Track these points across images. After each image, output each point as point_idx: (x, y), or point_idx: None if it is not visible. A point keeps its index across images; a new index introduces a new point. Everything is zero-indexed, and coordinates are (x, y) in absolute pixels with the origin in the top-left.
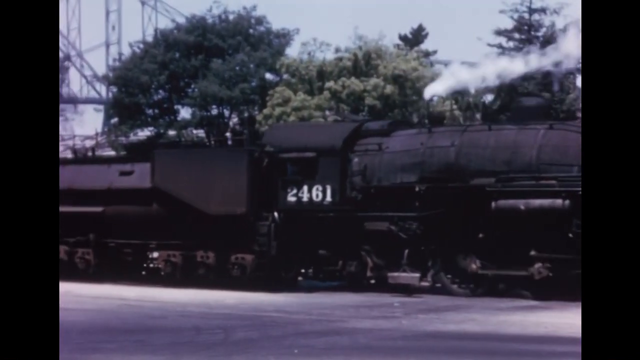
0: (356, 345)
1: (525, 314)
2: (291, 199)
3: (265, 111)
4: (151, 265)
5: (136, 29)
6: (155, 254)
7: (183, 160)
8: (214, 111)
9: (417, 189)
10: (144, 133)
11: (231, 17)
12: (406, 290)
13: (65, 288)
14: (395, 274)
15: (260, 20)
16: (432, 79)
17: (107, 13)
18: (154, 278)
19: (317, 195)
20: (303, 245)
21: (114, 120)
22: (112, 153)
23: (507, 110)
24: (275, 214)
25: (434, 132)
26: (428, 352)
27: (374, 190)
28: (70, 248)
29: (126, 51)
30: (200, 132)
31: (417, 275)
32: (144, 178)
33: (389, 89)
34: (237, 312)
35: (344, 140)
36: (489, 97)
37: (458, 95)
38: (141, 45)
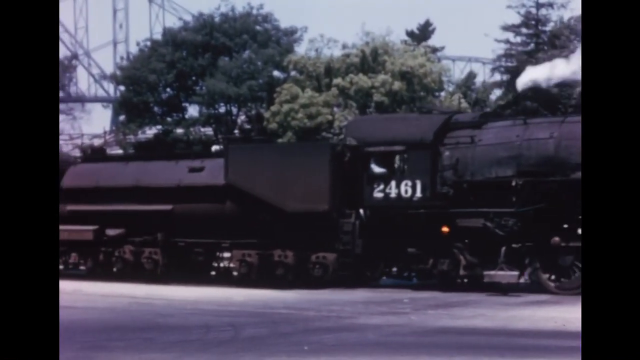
0: (366, 341)
1: (535, 309)
2: (378, 195)
3: (273, 108)
4: (221, 265)
5: (143, 28)
6: (226, 254)
7: (259, 156)
8: (222, 109)
9: (514, 183)
10: (151, 131)
11: (238, 15)
12: (501, 288)
13: (75, 286)
14: (492, 272)
15: (267, 18)
16: (440, 74)
17: (115, 11)
18: (225, 278)
19: (406, 191)
20: (390, 243)
21: (122, 118)
22: (120, 152)
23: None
24: (361, 210)
25: (530, 124)
26: (437, 347)
27: (467, 185)
28: (137, 248)
29: (134, 50)
30: (208, 130)
31: (516, 273)
32: (216, 174)
33: (396, 85)
34: (247, 309)
35: (434, 132)
36: (497, 92)
37: (466, 90)
38: (149, 44)
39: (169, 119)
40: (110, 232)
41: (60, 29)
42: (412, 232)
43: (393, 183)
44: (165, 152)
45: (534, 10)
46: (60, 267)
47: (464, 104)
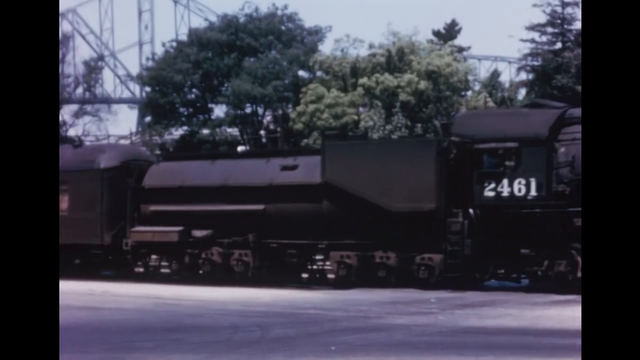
0: (393, 341)
1: (562, 309)
2: (489, 193)
3: (299, 108)
4: (315, 267)
5: (169, 29)
6: (319, 255)
7: (359, 153)
8: (248, 109)
9: None
10: (178, 132)
11: (263, 15)
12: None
13: (103, 287)
14: None
15: (292, 18)
16: (466, 73)
17: (140, 13)
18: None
19: (519, 190)
20: (501, 243)
21: (148, 119)
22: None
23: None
24: (470, 210)
25: None
26: (465, 347)
27: None
28: (225, 250)
29: (159, 51)
30: (234, 131)
31: None
32: (312, 173)
33: (422, 84)
34: (274, 310)
35: (549, 128)
36: (522, 92)
37: (492, 89)
38: (174, 45)
39: (194, 120)
40: (197, 233)
41: (86, 30)
42: (526, 233)
43: (505, 181)
44: (255, 150)
45: (559, 9)
46: (140, 269)
47: (491, 103)
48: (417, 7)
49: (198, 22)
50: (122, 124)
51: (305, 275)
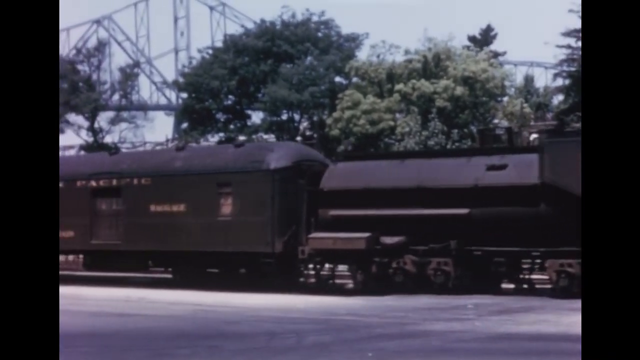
0: (429, 347)
1: None
2: None
3: (335, 114)
4: (525, 276)
5: (205, 35)
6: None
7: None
8: (284, 115)
9: None
10: (214, 139)
11: (299, 21)
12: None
13: (140, 294)
14: None
15: (328, 25)
16: (502, 79)
17: (176, 20)
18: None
19: None
20: None
21: (185, 126)
22: None
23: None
24: None
25: None
26: (501, 353)
27: None
28: (421, 258)
29: (195, 57)
30: (271, 137)
31: None
32: (525, 173)
33: (459, 90)
34: (310, 316)
35: None
36: (559, 97)
37: (528, 95)
38: (210, 51)
39: (231, 126)
40: (387, 240)
41: (122, 37)
42: None
43: None
44: (454, 148)
45: None
46: (312, 280)
47: (527, 109)
48: (452, 13)
49: (234, 29)
50: (158, 130)
51: (511, 286)
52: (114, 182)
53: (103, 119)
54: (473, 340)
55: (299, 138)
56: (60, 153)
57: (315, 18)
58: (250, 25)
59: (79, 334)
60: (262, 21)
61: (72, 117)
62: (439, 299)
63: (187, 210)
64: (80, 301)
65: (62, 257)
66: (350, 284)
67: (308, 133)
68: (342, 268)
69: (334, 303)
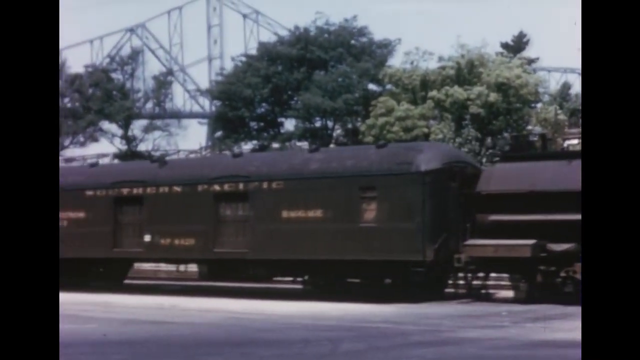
0: (465, 355)
1: None
2: None
3: (369, 121)
4: None
5: (238, 43)
6: None
7: None
8: (317, 123)
9: None
10: (248, 146)
11: (333, 28)
12: None
13: (172, 302)
14: None
15: (362, 31)
16: (536, 85)
17: (209, 27)
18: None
19: None
20: None
21: (218, 134)
22: None
23: None
24: None
25: None
26: None
27: None
28: None
29: (229, 65)
30: (304, 144)
31: None
32: None
33: (492, 96)
34: (344, 324)
35: None
36: None
37: (562, 101)
38: (244, 59)
39: (265, 134)
40: (555, 247)
41: (155, 45)
42: None
43: None
44: None
45: None
46: (483, 291)
47: (561, 116)
48: (484, 20)
49: (267, 36)
50: (191, 138)
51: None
52: (241, 186)
53: (137, 127)
54: (508, 347)
55: (332, 145)
56: (94, 161)
57: (349, 24)
58: (283, 33)
59: (111, 342)
60: (296, 28)
61: (106, 125)
62: (473, 306)
63: (325, 216)
64: (112, 308)
65: (169, 267)
66: (498, 293)
67: (341, 140)
68: (493, 276)
69: (369, 311)
